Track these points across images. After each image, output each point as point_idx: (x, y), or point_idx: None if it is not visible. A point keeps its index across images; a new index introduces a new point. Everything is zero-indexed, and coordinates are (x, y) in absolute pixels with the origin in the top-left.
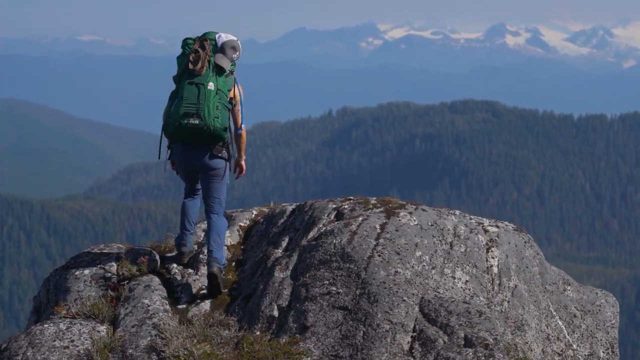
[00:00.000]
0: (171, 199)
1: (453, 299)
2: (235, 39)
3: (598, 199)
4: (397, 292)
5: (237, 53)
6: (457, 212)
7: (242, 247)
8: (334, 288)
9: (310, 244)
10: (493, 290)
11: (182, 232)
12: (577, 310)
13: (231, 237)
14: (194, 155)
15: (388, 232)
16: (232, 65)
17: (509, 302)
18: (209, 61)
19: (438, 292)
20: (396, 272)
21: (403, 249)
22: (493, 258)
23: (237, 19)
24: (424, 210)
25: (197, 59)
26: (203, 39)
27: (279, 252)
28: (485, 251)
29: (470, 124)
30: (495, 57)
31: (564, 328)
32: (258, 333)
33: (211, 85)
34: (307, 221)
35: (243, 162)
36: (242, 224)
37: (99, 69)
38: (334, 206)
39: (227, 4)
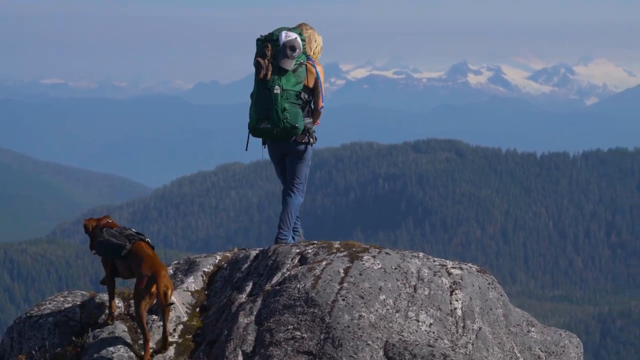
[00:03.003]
0: None
1: (417, 342)
2: (294, 37)
3: (562, 236)
4: (361, 336)
5: (297, 51)
6: (421, 254)
7: (206, 292)
8: (299, 333)
9: (274, 289)
10: (457, 332)
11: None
12: (542, 351)
13: (195, 283)
14: (281, 145)
15: (352, 276)
16: (298, 60)
17: (473, 344)
18: (272, 64)
19: (402, 336)
20: (360, 316)
21: (367, 292)
22: (457, 301)
23: (198, 60)
24: (387, 253)
25: (259, 69)
26: (265, 44)
27: (243, 297)
28: (449, 294)
29: (433, 163)
30: (458, 96)
31: None
32: None
33: (277, 89)
34: (270, 266)
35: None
36: (205, 270)
37: (62, 112)
38: (298, 251)
39: (187, 46)
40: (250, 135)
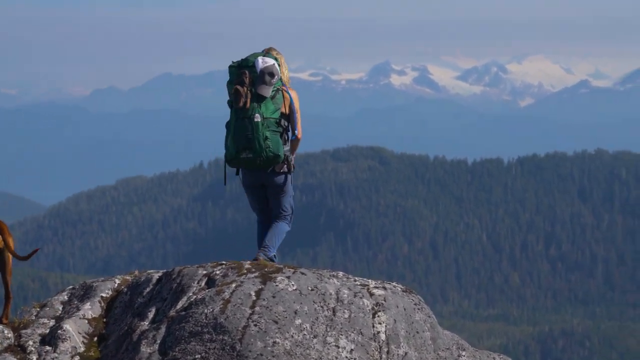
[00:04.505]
0: (28, 266)
1: None
2: (271, 63)
3: (497, 250)
4: None
5: (276, 77)
6: (340, 273)
7: (104, 320)
8: None
9: (179, 315)
10: (381, 358)
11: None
12: None
13: (92, 310)
14: (258, 175)
15: (264, 299)
16: (275, 86)
17: None
18: (250, 92)
19: None
20: (274, 342)
21: (281, 317)
22: (380, 324)
23: (95, 65)
24: (303, 273)
25: (238, 97)
26: (242, 71)
27: (145, 324)
28: (371, 316)
29: (355, 172)
30: (380, 98)
31: None
32: None
33: (257, 117)
34: (175, 289)
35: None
36: (104, 295)
37: None
38: (205, 272)
39: (82, 51)
40: (229, 164)
